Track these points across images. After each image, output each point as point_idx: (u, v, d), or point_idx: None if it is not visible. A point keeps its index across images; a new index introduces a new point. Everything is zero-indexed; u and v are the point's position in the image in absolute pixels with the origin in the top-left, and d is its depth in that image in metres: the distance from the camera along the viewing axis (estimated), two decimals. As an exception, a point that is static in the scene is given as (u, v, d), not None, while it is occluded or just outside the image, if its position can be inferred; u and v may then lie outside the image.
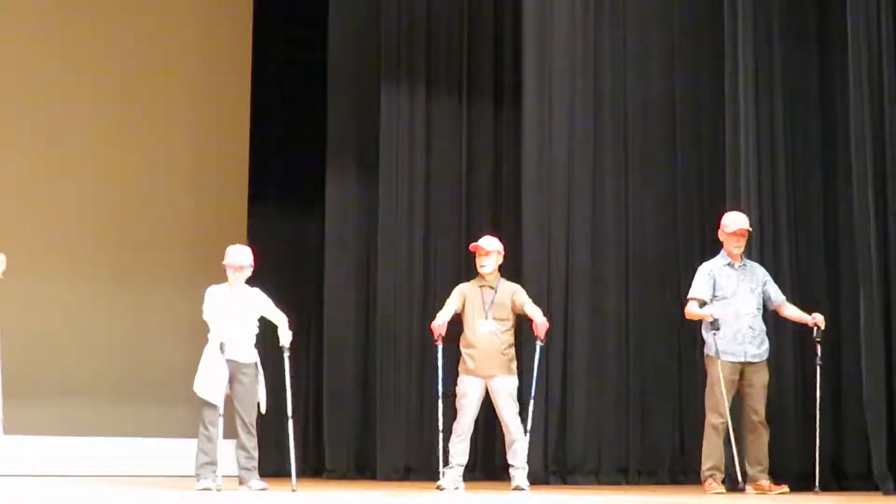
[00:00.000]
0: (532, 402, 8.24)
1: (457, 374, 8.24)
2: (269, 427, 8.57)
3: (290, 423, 8.04)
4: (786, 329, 8.39)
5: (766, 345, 7.97)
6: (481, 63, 10.54)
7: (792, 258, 8.68)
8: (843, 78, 8.39)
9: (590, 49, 9.72)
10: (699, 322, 8.17)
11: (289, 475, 7.81)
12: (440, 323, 8.24)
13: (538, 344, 8.29)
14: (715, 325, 7.86)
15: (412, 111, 10.39)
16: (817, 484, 7.86)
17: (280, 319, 7.90)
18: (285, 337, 7.90)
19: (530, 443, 8.31)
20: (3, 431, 6.85)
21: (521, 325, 8.74)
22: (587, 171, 9.57)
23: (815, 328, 8.03)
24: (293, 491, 7.65)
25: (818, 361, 7.99)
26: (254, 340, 7.74)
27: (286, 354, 7.93)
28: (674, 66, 9.96)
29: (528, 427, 8.21)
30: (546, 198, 9.44)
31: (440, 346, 8.32)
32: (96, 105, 11.22)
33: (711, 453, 7.82)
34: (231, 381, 7.63)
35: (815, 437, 7.95)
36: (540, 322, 8.20)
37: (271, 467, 9.89)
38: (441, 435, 8.31)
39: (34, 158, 10.96)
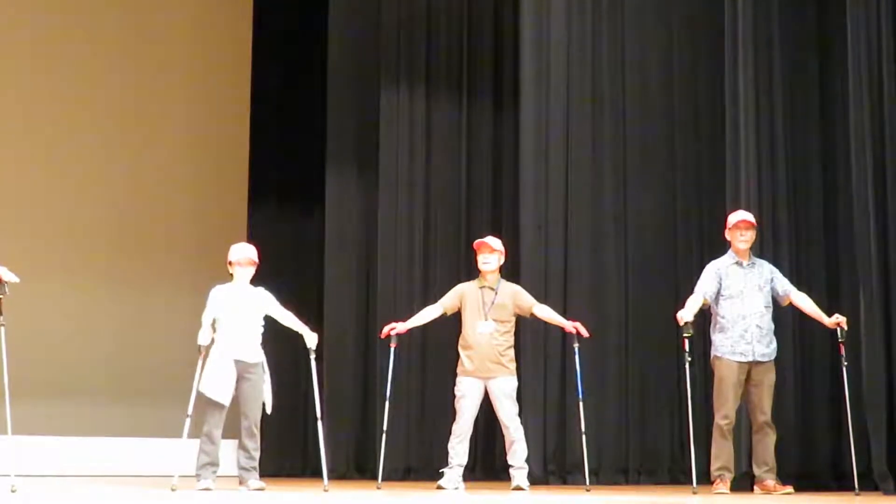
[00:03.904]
0: (581, 403, 8.37)
1: (455, 375, 8.25)
2: (269, 428, 8.58)
3: (320, 424, 8.09)
4: (786, 329, 8.39)
5: (775, 344, 7.94)
6: (481, 63, 10.56)
7: (792, 258, 8.69)
8: (843, 78, 8.41)
9: (588, 49, 9.73)
10: (707, 321, 8.16)
11: (287, 476, 7.82)
12: (402, 327, 8.33)
13: (575, 346, 8.38)
14: (686, 328, 7.85)
15: (412, 111, 10.40)
16: (856, 486, 7.80)
17: (299, 326, 7.91)
18: (312, 341, 7.92)
19: (530, 443, 8.32)
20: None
21: (522, 325, 8.75)
22: (586, 171, 9.58)
23: (839, 329, 7.97)
24: (325, 491, 7.65)
25: (844, 363, 7.93)
26: (259, 340, 7.73)
27: (313, 358, 7.94)
28: (672, 65, 9.98)
29: (584, 429, 8.34)
30: (544, 198, 9.45)
31: (392, 349, 8.43)
32: (96, 105, 11.22)
33: (720, 454, 7.80)
34: (237, 381, 7.62)
35: (850, 440, 7.92)
36: (569, 327, 8.30)
37: (271, 468, 9.93)
38: (384, 436, 8.44)
39: (34, 159, 10.96)
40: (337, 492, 7.81)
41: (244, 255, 7.77)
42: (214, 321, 7.67)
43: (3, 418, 6.99)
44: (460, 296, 8.28)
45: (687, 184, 9.88)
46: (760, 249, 8.36)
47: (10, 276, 6.89)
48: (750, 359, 7.84)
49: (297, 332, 7.94)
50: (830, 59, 8.81)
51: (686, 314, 7.83)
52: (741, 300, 7.89)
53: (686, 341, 7.87)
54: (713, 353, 7.96)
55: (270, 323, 7.91)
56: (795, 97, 8.88)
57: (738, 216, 8.05)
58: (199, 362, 7.56)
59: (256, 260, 7.78)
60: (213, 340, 7.67)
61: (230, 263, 7.78)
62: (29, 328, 9.62)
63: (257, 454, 7.68)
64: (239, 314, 7.67)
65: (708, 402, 8.44)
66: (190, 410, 7.54)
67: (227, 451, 7.84)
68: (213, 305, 7.67)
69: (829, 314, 8.05)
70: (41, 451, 10.05)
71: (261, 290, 7.81)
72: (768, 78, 8.81)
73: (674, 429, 9.57)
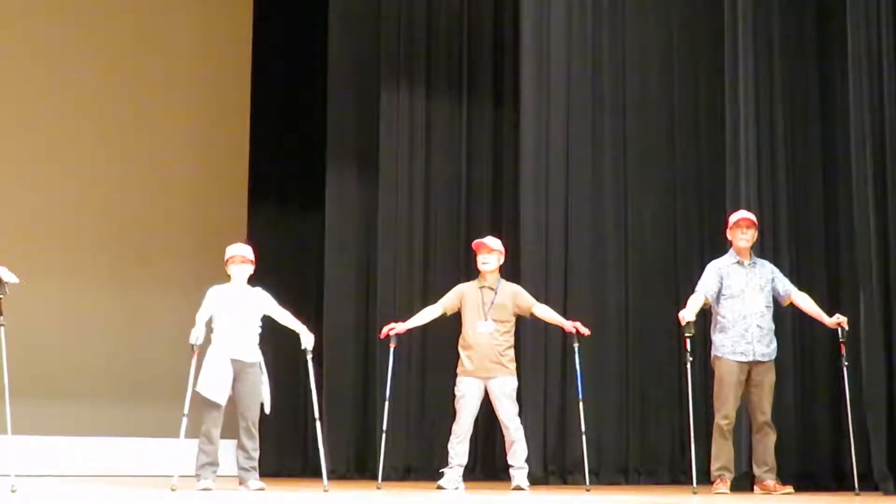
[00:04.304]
0: (581, 403, 8.38)
1: (455, 375, 8.25)
2: (269, 428, 8.58)
3: (319, 425, 8.08)
4: (786, 329, 8.39)
5: (775, 344, 7.93)
6: (481, 63, 10.55)
7: (792, 258, 8.68)
8: (842, 78, 8.40)
9: (588, 49, 9.73)
10: (708, 322, 8.16)
11: (288, 476, 7.81)
12: (401, 327, 8.34)
13: (575, 346, 8.39)
14: (688, 328, 7.83)
15: (412, 111, 10.40)
16: (856, 486, 7.80)
17: (296, 325, 7.90)
18: (308, 341, 7.90)
19: (530, 443, 8.32)
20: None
21: (522, 325, 8.75)
22: (586, 171, 9.58)
23: (840, 329, 7.97)
24: (325, 491, 7.65)
25: (844, 363, 7.92)
26: (257, 340, 7.72)
27: (309, 357, 7.94)
28: (673, 65, 9.98)
29: (584, 429, 8.36)
30: (545, 198, 9.45)
31: (392, 349, 8.43)
32: (96, 105, 11.23)
33: (720, 454, 7.80)
34: (234, 380, 7.61)
35: (850, 440, 7.91)
36: (569, 327, 8.31)
37: (271, 468, 9.93)
38: (384, 436, 8.45)
39: (34, 159, 10.96)
40: (337, 492, 7.80)
41: (238, 252, 7.78)
42: (211, 320, 7.66)
43: (2, 418, 6.99)
44: (460, 296, 8.28)
45: (687, 184, 9.87)
46: (761, 249, 8.35)
47: (9, 277, 6.88)
48: (750, 358, 7.83)
49: (296, 332, 7.93)
50: (830, 59, 8.81)
51: (688, 314, 7.83)
52: (742, 300, 7.89)
53: (687, 341, 7.87)
54: (713, 353, 7.96)
55: (270, 323, 7.91)
56: (795, 97, 8.88)
57: (739, 215, 8.07)
58: (192, 362, 7.54)
59: (251, 258, 7.77)
60: (211, 341, 7.67)
61: (226, 263, 7.78)
62: (29, 328, 9.62)
63: (256, 454, 7.67)
64: (236, 314, 7.66)
65: (708, 402, 8.44)
66: (186, 410, 7.52)
67: (227, 451, 7.84)
68: (209, 305, 7.65)
69: (830, 314, 8.04)
70: (41, 451, 10.05)
71: (258, 290, 7.80)
72: (768, 78, 8.81)
73: (674, 429, 9.57)
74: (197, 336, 7.50)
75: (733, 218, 8.06)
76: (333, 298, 10.59)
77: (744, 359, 7.83)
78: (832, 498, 7.67)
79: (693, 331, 7.85)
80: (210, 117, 11.56)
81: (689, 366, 7.94)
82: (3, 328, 6.85)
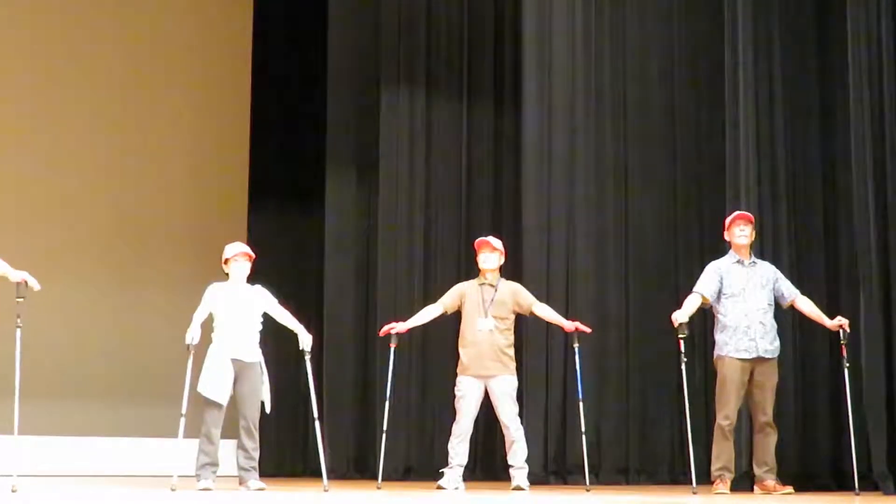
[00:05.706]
0: (581, 403, 8.39)
1: (455, 375, 8.25)
2: (269, 428, 8.58)
3: (318, 425, 8.08)
4: (786, 329, 8.39)
5: (778, 342, 7.90)
6: (481, 63, 10.55)
7: (792, 258, 8.68)
8: (842, 78, 8.40)
9: (590, 49, 9.74)
10: (709, 322, 8.14)
11: (288, 476, 7.81)
12: (402, 327, 8.33)
13: (575, 346, 8.39)
14: (681, 329, 7.81)
15: (412, 111, 10.40)
16: (856, 486, 7.79)
17: (295, 325, 7.89)
18: (306, 341, 7.89)
19: (531, 443, 8.32)
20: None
21: (524, 325, 8.75)
22: (587, 171, 9.58)
23: (841, 331, 7.95)
24: (325, 491, 7.65)
25: (846, 364, 7.91)
26: (257, 339, 7.71)
27: (308, 358, 7.93)
28: (673, 65, 9.98)
29: (584, 429, 8.37)
30: (546, 198, 9.45)
31: (392, 349, 8.42)
32: (96, 105, 11.23)
33: (720, 454, 7.78)
34: (234, 380, 7.61)
35: (851, 440, 7.89)
36: (569, 326, 8.31)
37: (271, 468, 9.93)
38: (384, 436, 8.45)
39: (34, 159, 10.96)
40: (337, 492, 7.80)
41: (240, 249, 7.78)
42: (211, 318, 7.65)
43: (9, 418, 6.99)
44: (460, 294, 8.28)
45: (688, 183, 9.88)
46: (761, 250, 8.35)
47: (33, 282, 7.02)
48: (754, 355, 7.79)
49: (295, 332, 7.92)
50: (830, 60, 8.81)
51: (681, 315, 7.80)
52: (743, 298, 7.87)
53: (681, 342, 7.84)
54: (716, 352, 7.92)
55: (270, 323, 7.91)
56: (795, 97, 8.88)
57: (737, 213, 8.06)
58: (189, 361, 7.52)
59: (252, 255, 7.78)
60: (211, 340, 7.66)
61: (225, 262, 7.77)
62: (29, 328, 9.60)
63: (256, 454, 7.67)
64: (236, 313, 7.65)
65: (707, 402, 8.43)
66: (184, 410, 7.51)
67: (227, 451, 7.84)
68: (207, 303, 7.65)
69: (830, 315, 8.04)
70: (41, 451, 10.05)
71: (258, 287, 7.80)
72: (768, 78, 8.81)
73: (674, 429, 9.56)
74: (192, 336, 7.49)
75: (730, 217, 8.05)
76: (333, 298, 10.60)
77: (747, 356, 7.79)
78: (832, 498, 7.67)
79: (686, 332, 7.83)
80: (210, 117, 11.57)
81: (683, 367, 7.92)
82: (19, 330, 6.91)
